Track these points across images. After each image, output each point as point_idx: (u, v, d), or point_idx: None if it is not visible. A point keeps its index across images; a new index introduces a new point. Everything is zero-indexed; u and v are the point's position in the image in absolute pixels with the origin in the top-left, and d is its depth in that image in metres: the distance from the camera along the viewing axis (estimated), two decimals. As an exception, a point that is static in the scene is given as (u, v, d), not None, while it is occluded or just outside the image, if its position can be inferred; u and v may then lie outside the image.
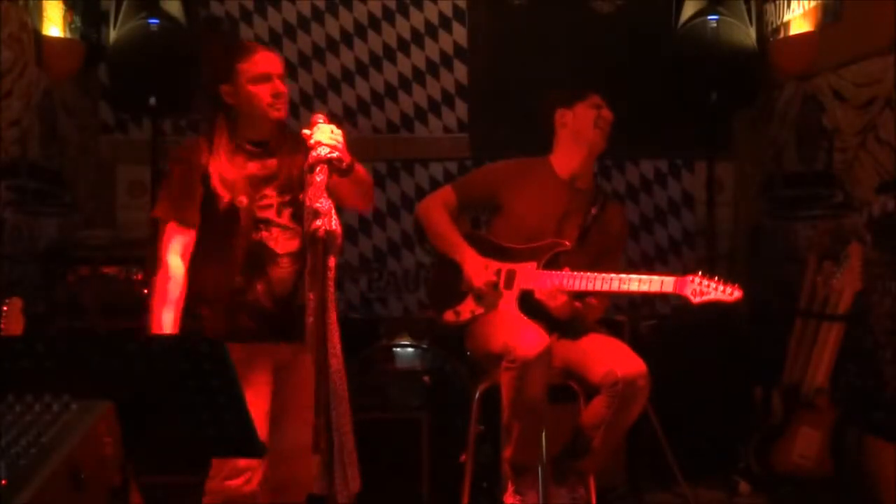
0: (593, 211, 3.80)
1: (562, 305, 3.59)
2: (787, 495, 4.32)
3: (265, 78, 3.15)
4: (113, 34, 5.02)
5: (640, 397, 3.48)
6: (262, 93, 3.14)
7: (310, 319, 2.83)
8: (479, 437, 3.86)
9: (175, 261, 3.10)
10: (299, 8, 5.64)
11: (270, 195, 3.17)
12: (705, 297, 3.42)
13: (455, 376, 4.45)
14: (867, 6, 4.37)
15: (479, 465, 4.07)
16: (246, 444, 2.21)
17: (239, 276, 3.14)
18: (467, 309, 3.76)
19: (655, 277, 3.54)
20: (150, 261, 3.18)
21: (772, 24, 5.22)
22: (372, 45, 5.65)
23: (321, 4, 5.64)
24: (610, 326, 3.93)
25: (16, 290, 3.91)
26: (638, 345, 3.70)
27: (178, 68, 5.00)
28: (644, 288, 3.54)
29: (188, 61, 5.07)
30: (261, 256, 3.15)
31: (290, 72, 5.44)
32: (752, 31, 5.07)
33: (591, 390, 3.57)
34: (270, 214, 3.16)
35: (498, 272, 3.73)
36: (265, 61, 3.18)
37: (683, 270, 5.29)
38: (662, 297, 3.61)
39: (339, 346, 2.89)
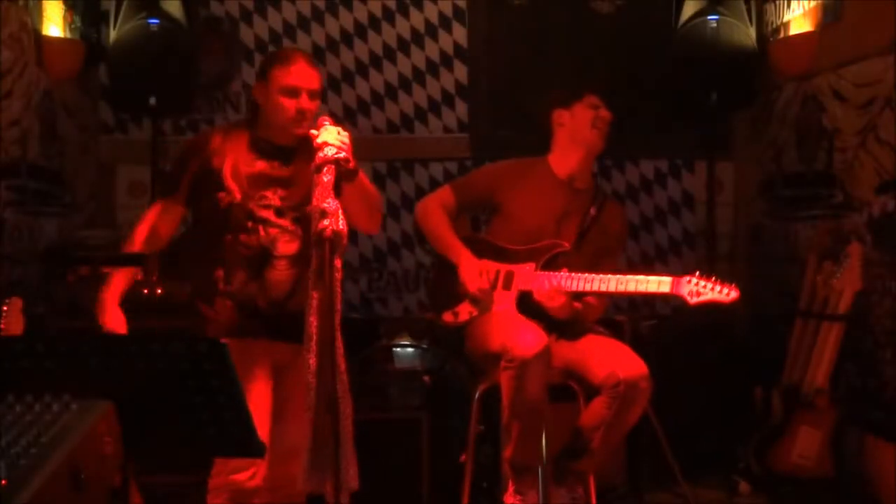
0: (592, 211, 3.80)
1: (560, 306, 3.59)
2: (787, 495, 4.32)
3: (294, 92, 3.16)
4: (113, 34, 5.02)
5: (641, 399, 3.48)
6: (288, 105, 3.15)
7: (311, 319, 2.83)
8: (479, 437, 3.86)
9: (143, 229, 3.23)
10: (299, 8, 5.64)
11: (271, 196, 3.17)
12: (702, 298, 3.43)
13: (455, 376, 4.45)
14: (867, 6, 4.37)
15: (479, 465, 4.07)
16: (245, 443, 2.21)
17: (232, 273, 3.16)
18: (466, 310, 3.76)
19: (652, 278, 3.54)
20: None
21: (772, 24, 5.22)
22: (372, 45, 5.65)
23: (321, 4, 5.64)
24: (610, 326, 3.93)
25: (16, 290, 3.91)
26: (638, 345, 3.70)
27: (178, 68, 5.01)
28: (641, 288, 3.55)
29: (188, 61, 5.08)
30: (256, 256, 3.16)
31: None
32: (752, 31, 5.07)
33: (592, 391, 3.57)
34: (268, 215, 3.17)
35: (497, 273, 3.73)
36: (299, 75, 3.17)
37: (683, 270, 5.28)
38: (661, 297, 3.60)
39: (342, 347, 2.90)
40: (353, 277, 5.51)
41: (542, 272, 3.67)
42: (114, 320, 3.13)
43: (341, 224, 2.73)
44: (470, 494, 3.79)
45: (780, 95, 5.19)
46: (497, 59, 5.63)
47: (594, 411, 3.53)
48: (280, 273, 3.18)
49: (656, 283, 3.51)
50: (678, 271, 5.47)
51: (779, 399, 4.44)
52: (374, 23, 5.65)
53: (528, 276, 3.68)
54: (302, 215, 3.13)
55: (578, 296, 3.64)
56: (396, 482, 4.11)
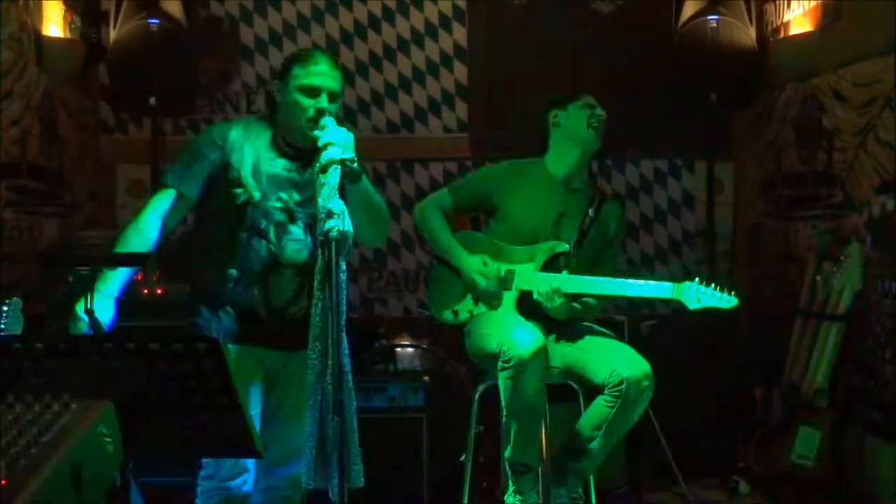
0: (591, 212, 3.80)
1: (559, 307, 3.59)
2: (787, 495, 4.32)
3: (313, 92, 3.06)
4: (113, 34, 5.02)
5: (644, 398, 3.48)
6: (306, 106, 3.05)
7: (317, 320, 2.83)
8: (479, 437, 3.85)
9: (152, 217, 3.10)
10: (299, 8, 5.64)
11: (287, 199, 3.09)
12: (702, 304, 3.44)
13: (455, 376, 4.45)
14: (867, 6, 4.37)
15: (479, 465, 4.07)
16: (245, 444, 2.21)
17: (240, 277, 3.08)
18: (465, 308, 3.77)
19: (653, 283, 3.54)
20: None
21: (772, 24, 5.22)
22: (372, 46, 5.65)
23: (321, 4, 5.65)
24: (610, 326, 3.93)
25: (16, 290, 3.91)
26: (638, 345, 3.69)
27: (178, 68, 5.01)
28: (641, 293, 3.55)
29: (188, 61, 5.08)
30: (264, 263, 3.08)
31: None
32: (752, 31, 5.07)
33: (593, 390, 3.57)
34: (282, 218, 3.09)
35: (497, 271, 3.73)
36: (321, 75, 3.07)
37: (683, 270, 5.30)
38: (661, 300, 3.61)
39: (347, 347, 2.90)
40: (353, 278, 5.51)
41: (543, 273, 3.67)
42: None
43: (347, 225, 2.71)
44: (470, 494, 3.79)
45: (780, 95, 5.19)
46: (497, 59, 5.63)
47: (596, 411, 3.53)
48: (285, 281, 3.10)
49: (656, 289, 3.52)
50: (678, 271, 5.51)
51: (779, 399, 4.44)
52: (374, 23, 5.65)
53: (529, 276, 3.68)
54: (313, 223, 3.01)
55: (578, 296, 3.64)
56: (396, 482, 4.11)
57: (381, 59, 5.65)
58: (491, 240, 3.80)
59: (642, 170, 5.67)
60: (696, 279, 3.48)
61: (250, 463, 3.08)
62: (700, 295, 3.44)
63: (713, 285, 3.45)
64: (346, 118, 5.52)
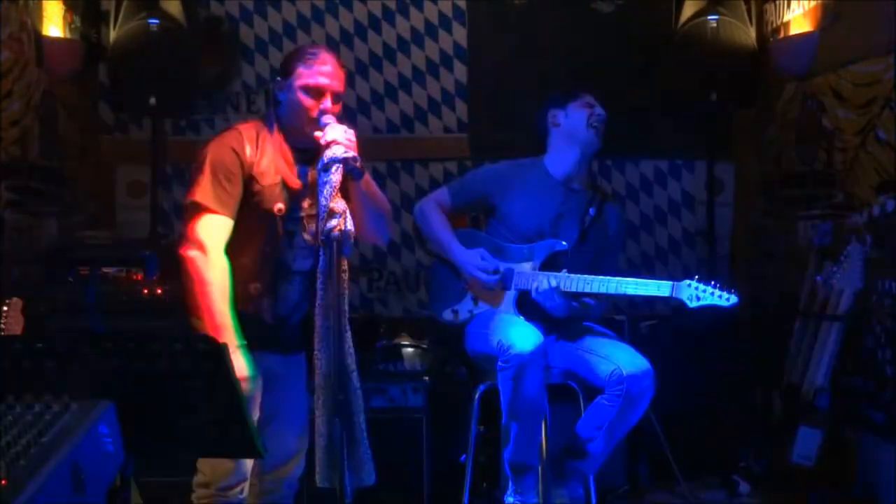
0: (591, 212, 3.80)
1: (559, 306, 3.59)
2: (787, 495, 4.32)
3: (318, 92, 2.99)
4: (113, 34, 5.02)
5: (644, 398, 3.48)
6: (310, 106, 2.98)
7: (317, 321, 2.82)
8: (479, 437, 3.85)
9: (221, 254, 2.91)
10: (299, 8, 5.64)
11: (303, 207, 3.03)
12: (701, 302, 3.42)
13: (455, 376, 4.46)
14: (867, 6, 4.37)
15: (479, 465, 4.07)
16: (245, 444, 2.21)
17: (251, 286, 3.00)
18: (465, 308, 3.77)
19: (652, 281, 3.53)
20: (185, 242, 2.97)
21: (772, 24, 5.22)
22: (372, 46, 5.65)
23: (321, 4, 5.64)
24: (610, 326, 3.93)
25: (16, 290, 3.90)
26: (638, 345, 3.69)
27: (178, 68, 5.01)
28: (640, 292, 3.54)
29: (188, 61, 5.08)
30: (276, 271, 3.03)
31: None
32: (752, 31, 5.07)
33: (594, 390, 3.57)
34: (297, 228, 3.03)
35: (496, 271, 3.73)
36: (326, 75, 3.00)
37: (683, 270, 5.30)
38: (661, 299, 3.60)
39: (352, 346, 2.90)
40: (353, 278, 5.51)
41: (542, 272, 3.67)
42: None
43: (349, 225, 2.70)
44: (470, 494, 3.80)
45: (780, 95, 5.19)
46: (497, 59, 5.63)
47: (596, 410, 3.53)
48: (292, 289, 3.07)
49: (655, 287, 3.51)
50: (678, 271, 5.50)
51: (779, 399, 4.44)
52: (374, 23, 5.65)
53: (528, 276, 3.68)
54: (316, 229, 2.96)
55: (577, 296, 3.64)
56: (397, 482, 4.11)
57: (381, 59, 5.65)
58: (490, 239, 3.80)
59: (642, 170, 5.67)
60: (696, 277, 3.47)
61: (247, 471, 3.06)
62: (699, 293, 3.43)
63: (712, 283, 3.44)
64: (346, 118, 5.50)
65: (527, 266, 3.70)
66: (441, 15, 5.66)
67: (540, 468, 3.60)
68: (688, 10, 5.06)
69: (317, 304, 2.91)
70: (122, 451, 1.95)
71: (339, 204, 2.72)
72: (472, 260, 3.73)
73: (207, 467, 3.01)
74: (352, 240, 2.80)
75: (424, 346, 4.58)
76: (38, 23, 4.82)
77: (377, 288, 5.61)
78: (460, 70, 5.65)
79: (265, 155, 3.00)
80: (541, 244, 3.72)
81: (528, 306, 3.66)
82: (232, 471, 2.99)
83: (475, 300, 3.76)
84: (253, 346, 2.98)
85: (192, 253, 2.89)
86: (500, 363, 3.45)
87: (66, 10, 5.07)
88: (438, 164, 5.64)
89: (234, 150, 2.97)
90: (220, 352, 2.09)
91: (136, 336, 2.10)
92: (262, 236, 2.99)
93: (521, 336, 3.45)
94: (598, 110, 3.78)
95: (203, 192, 2.93)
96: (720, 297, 3.41)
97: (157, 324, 4.13)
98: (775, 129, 5.27)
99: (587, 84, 3.97)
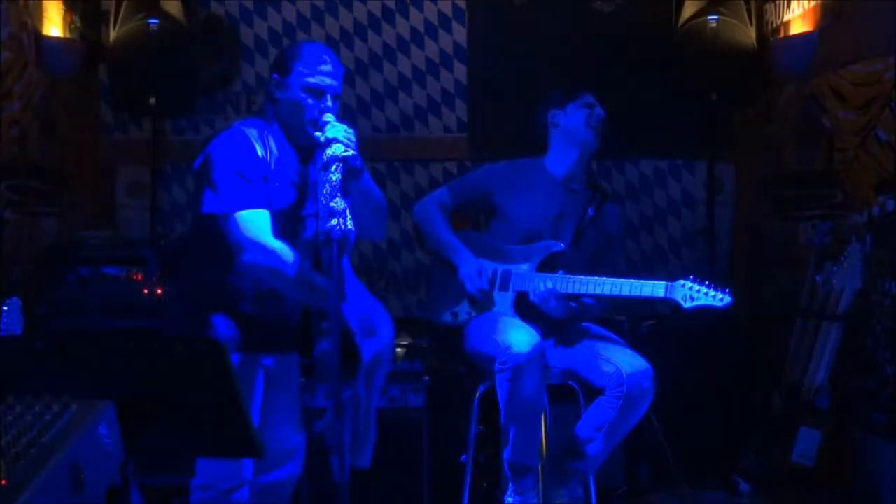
0: (590, 212, 3.80)
1: (557, 307, 3.59)
2: (787, 495, 4.32)
3: (319, 92, 2.98)
4: (113, 34, 5.02)
5: (645, 399, 3.48)
6: (310, 106, 2.96)
7: (322, 323, 2.83)
8: (479, 437, 3.85)
9: (273, 240, 2.88)
10: (299, 8, 5.64)
11: (303, 206, 3.03)
12: (696, 303, 3.41)
13: (455, 376, 4.45)
14: (867, 6, 4.37)
15: (479, 465, 4.07)
16: (245, 444, 2.21)
17: (252, 286, 3.00)
18: (464, 310, 3.77)
19: (647, 283, 3.53)
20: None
21: (772, 24, 5.22)
22: (372, 45, 5.65)
23: (321, 4, 5.64)
24: (610, 326, 3.93)
25: (16, 290, 3.91)
26: (638, 345, 3.69)
27: (178, 68, 5.01)
28: (635, 293, 3.52)
29: (188, 61, 5.08)
30: None
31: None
32: (752, 31, 5.07)
33: (594, 391, 3.57)
34: (298, 227, 3.03)
35: (494, 273, 3.73)
36: (326, 75, 2.99)
37: (683, 271, 5.29)
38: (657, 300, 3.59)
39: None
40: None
41: (539, 273, 3.66)
42: None
43: (349, 224, 2.69)
44: (470, 495, 3.79)
45: (780, 95, 5.19)
46: (497, 59, 5.63)
47: (597, 411, 3.53)
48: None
49: (650, 288, 3.50)
50: (678, 271, 5.49)
51: (779, 399, 4.44)
52: (374, 23, 5.65)
53: (525, 277, 3.68)
54: (309, 228, 2.98)
55: (575, 297, 3.64)
56: (397, 482, 4.11)
57: (381, 59, 5.65)
58: (489, 240, 3.81)
59: (642, 170, 5.67)
60: (690, 278, 3.46)
61: (248, 473, 3.04)
62: (693, 294, 3.42)
63: (706, 284, 3.43)
64: (346, 118, 5.50)
65: (524, 267, 3.70)
66: (441, 15, 5.66)
67: (540, 468, 3.60)
68: (688, 10, 5.05)
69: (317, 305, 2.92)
70: (122, 451, 1.95)
71: (339, 203, 2.71)
72: (470, 268, 3.71)
73: (208, 470, 3.00)
74: (352, 239, 2.80)
75: (424, 345, 4.57)
76: (38, 23, 4.82)
77: (377, 288, 5.61)
78: (460, 70, 5.65)
79: (272, 154, 2.99)
80: (538, 245, 3.72)
81: (526, 308, 3.66)
82: (232, 472, 2.99)
83: (475, 301, 3.76)
84: (253, 346, 2.99)
85: (251, 257, 2.87)
86: (497, 364, 3.45)
87: (66, 10, 5.07)
88: (438, 164, 5.64)
89: (246, 150, 2.93)
90: (221, 352, 2.09)
91: (136, 336, 2.10)
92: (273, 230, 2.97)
93: (519, 337, 3.45)
94: (598, 110, 3.78)
95: (226, 197, 2.89)
96: (714, 297, 3.41)
97: (157, 324, 4.14)
98: (775, 129, 5.27)
99: (587, 84, 3.97)
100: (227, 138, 2.98)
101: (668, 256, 5.66)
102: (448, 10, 5.66)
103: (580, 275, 3.58)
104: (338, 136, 2.84)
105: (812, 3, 4.79)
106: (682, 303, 3.42)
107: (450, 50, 5.65)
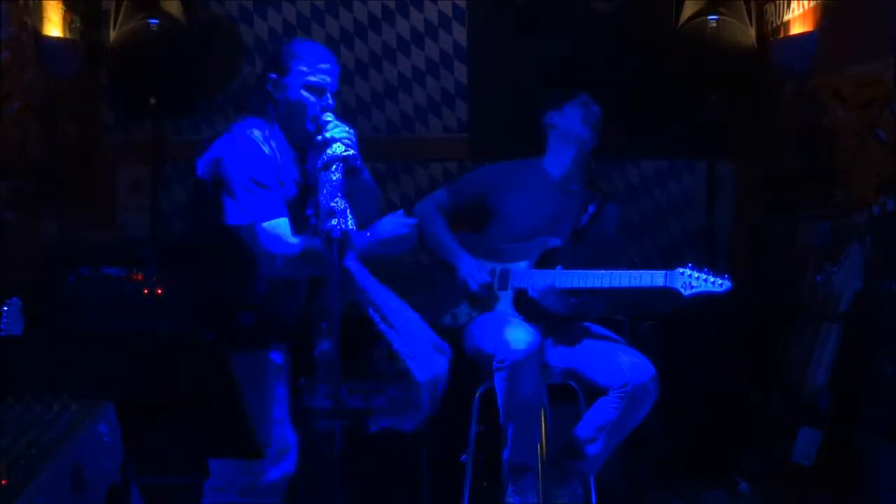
0: (589, 212, 3.80)
1: (556, 303, 3.59)
2: (787, 495, 4.32)
3: (319, 91, 2.99)
4: (113, 34, 5.02)
5: (648, 401, 3.48)
6: (311, 106, 2.97)
7: (321, 323, 2.82)
8: (479, 438, 3.86)
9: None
10: (299, 8, 5.64)
11: (304, 206, 3.04)
12: (695, 290, 3.42)
13: (455, 376, 4.44)
14: (867, 6, 4.37)
15: (479, 465, 4.07)
16: (245, 444, 2.21)
17: (261, 289, 3.01)
18: (464, 312, 3.77)
19: (646, 272, 3.54)
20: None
21: (772, 23, 5.22)
22: (372, 45, 5.64)
23: (321, 4, 5.64)
24: (610, 326, 3.93)
25: (16, 290, 3.90)
26: (638, 345, 3.70)
27: (178, 68, 5.01)
28: (635, 283, 3.54)
29: (188, 61, 5.08)
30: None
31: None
32: (752, 31, 5.07)
33: (596, 391, 3.57)
34: (299, 228, 3.02)
35: (492, 272, 3.73)
36: (327, 73, 3.00)
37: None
38: (659, 293, 3.58)
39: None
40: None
41: (537, 269, 3.67)
42: None
43: (349, 224, 2.70)
44: (470, 495, 3.79)
45: (780, 95, 5.19)
46: (497, 59, 5.63)
47: (599, 412, 3.53)
48: (301, 288, 3.08)
49: (649, 277, 3.51)
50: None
51: (779, 399, 4.44)
52: (374, 23, 5.65)
53: (523, 274, 3.68)
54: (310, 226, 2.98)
55: (575, 293, 3.64)
56: (396, 482, 4.11)
57: (381, 59, 5.64)
58: (485, 241, 3.81)
59: (642, 170, 5.67)
60: (689, 265, 3.46)
61: (260, 472, 3.04)
62: (692, 281, 3.42)
63: (704, 270, 3.43)
64: (346, 118, 5.50)
65: (522, 265, 3.70)
66: (441, 15, 5.65)
67: (539, 468, 3.59)
68: (688, 10, 5.05)
69: (317, 304, 2.92)
70: (122, 451, 1.95)
71: (339, 203, 2.71)
72: (469, 268, 3.72)
73: (223, 471, 2.99)
74: (353, 239, 2.80)
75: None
76: (38, 23, 4.82)
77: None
78: (460, 70, 5.65)
79: (278, 155, 2.99)
80: (534, 242, 3.72)
81: (526, 305, 3.66)
82: (247, 472, 2.99)
83: (476, 300, 3.76)
84: (253, 346, 2.99)
85: (281, 265, 2.88)
86: (495, 363, 3.46)
87: (66, 10, 5.07)
88: (438, 164, 5.63)
89: (257, 155, 2.93)
90: (221, 352, 2.10)
91: (136, 336, 2.10)
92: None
93: (516, 336, 3.46)
94: (593, 108, 3.79)
95: (247, 207, 2.88)
96: (713, 283, 3.41)
97: (157, 324, 4.13)
98: (775, 129, 5.27)
99: (587, 84, 3.97)
100: (235, 143, 2.96)
101: (668, 256, 5.65)
102: (448, 10, 5.65)
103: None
104: (338, 136, 2.84)
105: (812, 3, 4.79)
106: (682, 290, 3.43)
107: (450, 50, 5.65)
